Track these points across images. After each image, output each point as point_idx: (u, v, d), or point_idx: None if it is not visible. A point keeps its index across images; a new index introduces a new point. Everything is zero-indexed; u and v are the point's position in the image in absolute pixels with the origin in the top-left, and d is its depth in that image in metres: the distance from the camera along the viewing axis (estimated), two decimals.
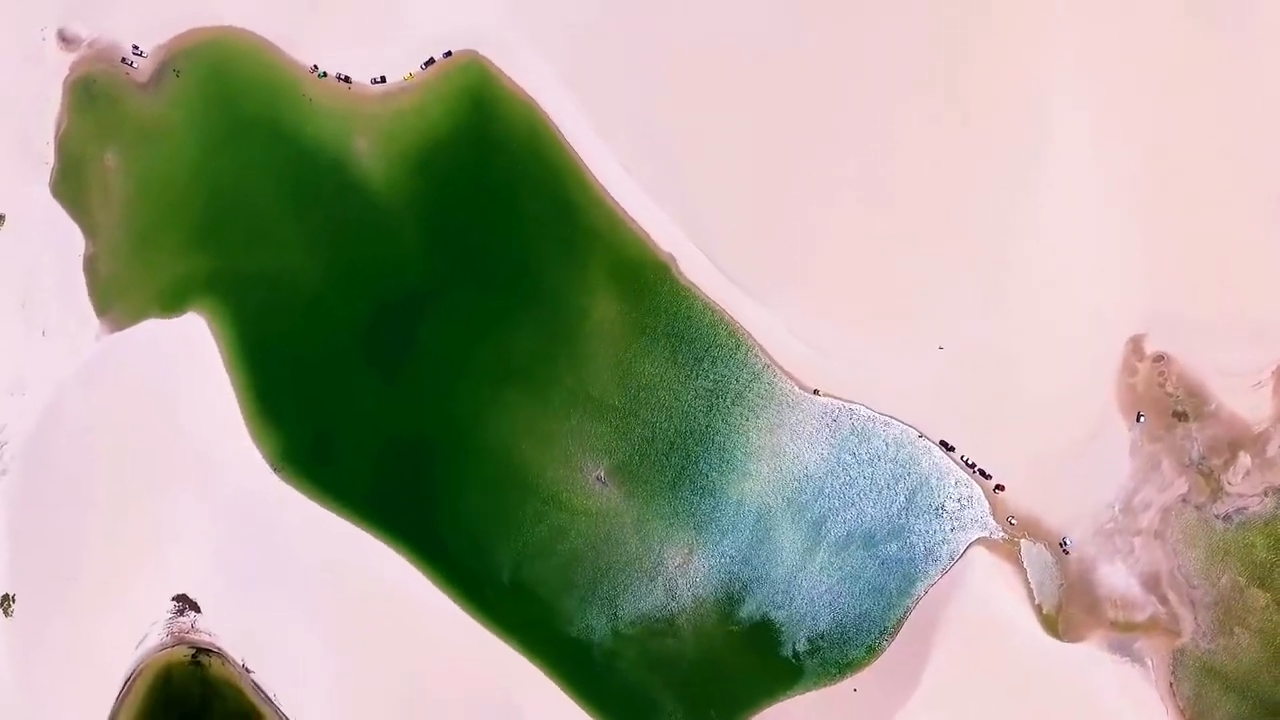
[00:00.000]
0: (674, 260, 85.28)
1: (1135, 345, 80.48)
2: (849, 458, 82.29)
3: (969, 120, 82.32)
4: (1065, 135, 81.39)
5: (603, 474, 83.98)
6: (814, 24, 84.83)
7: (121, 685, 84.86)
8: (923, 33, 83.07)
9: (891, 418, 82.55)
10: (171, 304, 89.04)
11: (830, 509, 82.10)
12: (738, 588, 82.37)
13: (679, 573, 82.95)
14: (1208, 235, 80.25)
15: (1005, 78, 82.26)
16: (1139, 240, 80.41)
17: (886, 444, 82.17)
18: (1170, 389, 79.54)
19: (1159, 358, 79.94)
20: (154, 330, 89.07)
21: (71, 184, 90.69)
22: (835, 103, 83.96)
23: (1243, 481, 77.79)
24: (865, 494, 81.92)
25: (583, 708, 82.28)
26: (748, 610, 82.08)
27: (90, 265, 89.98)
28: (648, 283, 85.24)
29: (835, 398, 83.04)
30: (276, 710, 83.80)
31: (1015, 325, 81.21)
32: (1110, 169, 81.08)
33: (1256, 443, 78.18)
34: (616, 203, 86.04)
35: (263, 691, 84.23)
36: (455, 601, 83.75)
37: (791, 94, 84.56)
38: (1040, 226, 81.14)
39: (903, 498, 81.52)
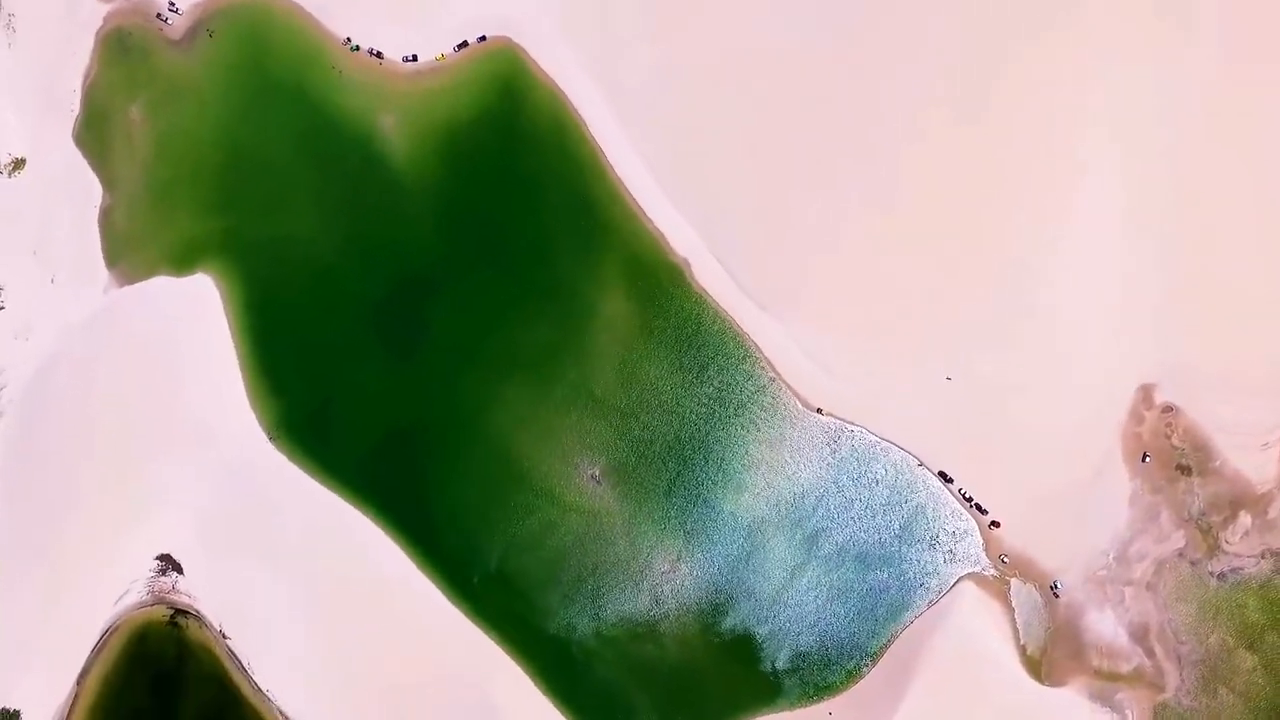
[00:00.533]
0: (688, 264, 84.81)
1: (1145, 394, 79.71)
2: (846, 479, 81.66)
3: (999, 157, 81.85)
4: (1094, 179, 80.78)
5: (598, 473, 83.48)
6: (852, 40, 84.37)
7: (97, 639, 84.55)
8: (959, 63, 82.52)
9: (892, 444, 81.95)
10: (183, 263, 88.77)
11: (823, 529, 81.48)
12: (723, 599, 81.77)
13: (665, 578, 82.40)
14: (1229, 291, 79.56)
15: (1040, 117, 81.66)
16: (1158, 289, 79.74)
17: (885, 469, 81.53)
18: (1176, 441, 78.69)
19: (1168, 409, 79.13)
20: (163, 288, 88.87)
21: (95, 134, 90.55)
22: (867, 125, 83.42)
23: (1241, 541, 76.93)
24: (859, 517, 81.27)
25: (555, 704, 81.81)
26: (731, 622, 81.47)
27: (106, 217, 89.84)
28: (660, 285, 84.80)
29: (838, 418, 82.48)
30: (249, 678, 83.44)
31: (1025, 363, 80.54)
32: (1137, 215, 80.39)
33: (1259, 503, 77.32)
34: (636, 201, 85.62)
35: (237, 659, 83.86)
36: (437, 586, 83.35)
37: (823, 111, 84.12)
38: (1061, 267, 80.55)
39: (897, 525, 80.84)
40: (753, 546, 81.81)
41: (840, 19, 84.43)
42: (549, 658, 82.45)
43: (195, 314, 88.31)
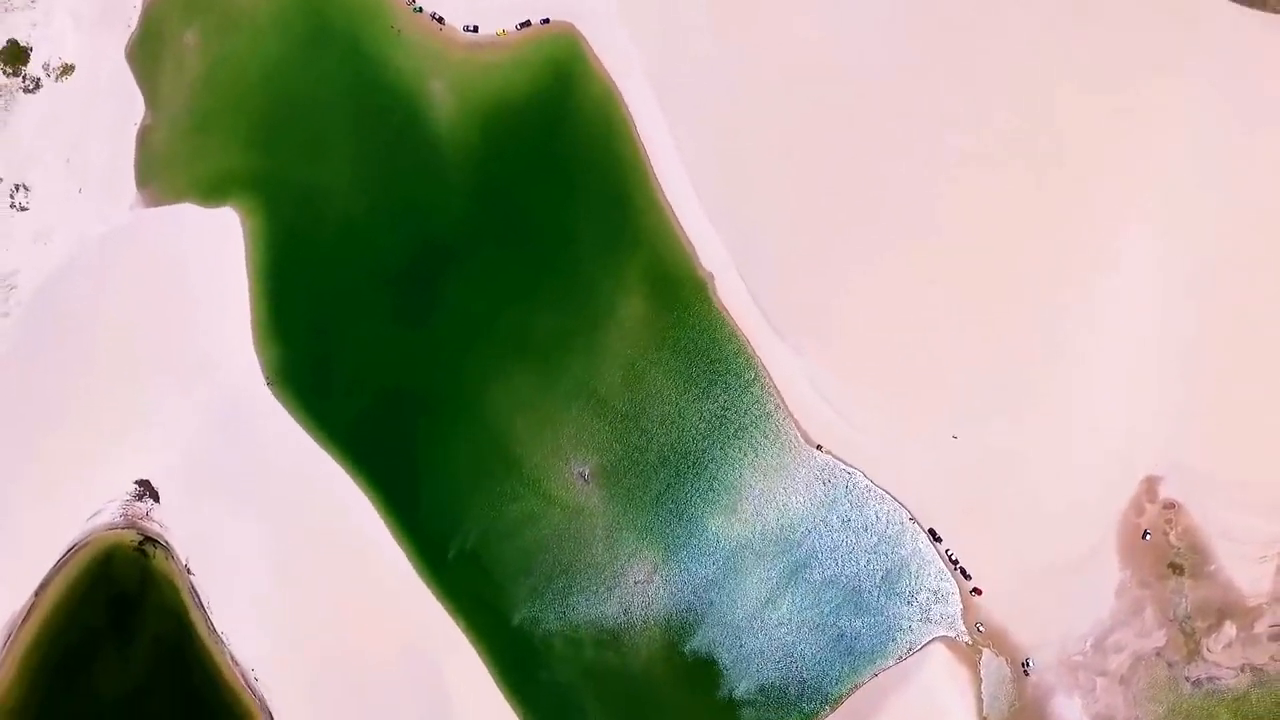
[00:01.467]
0: (713, 280, 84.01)
1: (1150, 486, 78.59)
2: (836, 520, 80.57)
3: (1043, 230, 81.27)
4: (1134, 266, 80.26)
5: (587, 471, 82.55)
6: (912, 83, 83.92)
7: (63, 553, 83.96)
8: (1015, 130, 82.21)
9: (887, 493, 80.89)
10: (212, 194, 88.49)
11: (804, 566, 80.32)
12: (692, 619, 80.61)
13: (638, 589, 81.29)
14: (1251, 399, 78.76)
15: (1088, 198, 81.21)
16: (1184, 385, 78.88)
17: (876, 517, 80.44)
18: (1174, 539, 77.40)
19: (1170, 505, 77.92)
20: (188, 215, 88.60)
21: (147, 53, 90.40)
22: (915, 175, 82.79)
23: (1223, 651, 75.50)
24: (842, 561, 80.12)
25: (506, 695, 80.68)
26: (696, 644, 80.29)
27: (144, 136, 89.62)
28: (681, 295, 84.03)
29: (836, 458, 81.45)
30: (207, 618, 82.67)
31: (1035, 435, 79.65)
32: (1173, 309, 79.77)
33: (1246, 616, 75.93)
34: (671, 208, 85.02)
35: (198, 596, 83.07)
36: (409, 557, 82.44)
37: (873, 154, 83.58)
38: (1089, 346, 79.84)
39: (879, 575, 79.64)
40: (730, 571, 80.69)
41: (903, 60, 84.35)
42: (508, 648, 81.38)
43: (215, 247, 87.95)
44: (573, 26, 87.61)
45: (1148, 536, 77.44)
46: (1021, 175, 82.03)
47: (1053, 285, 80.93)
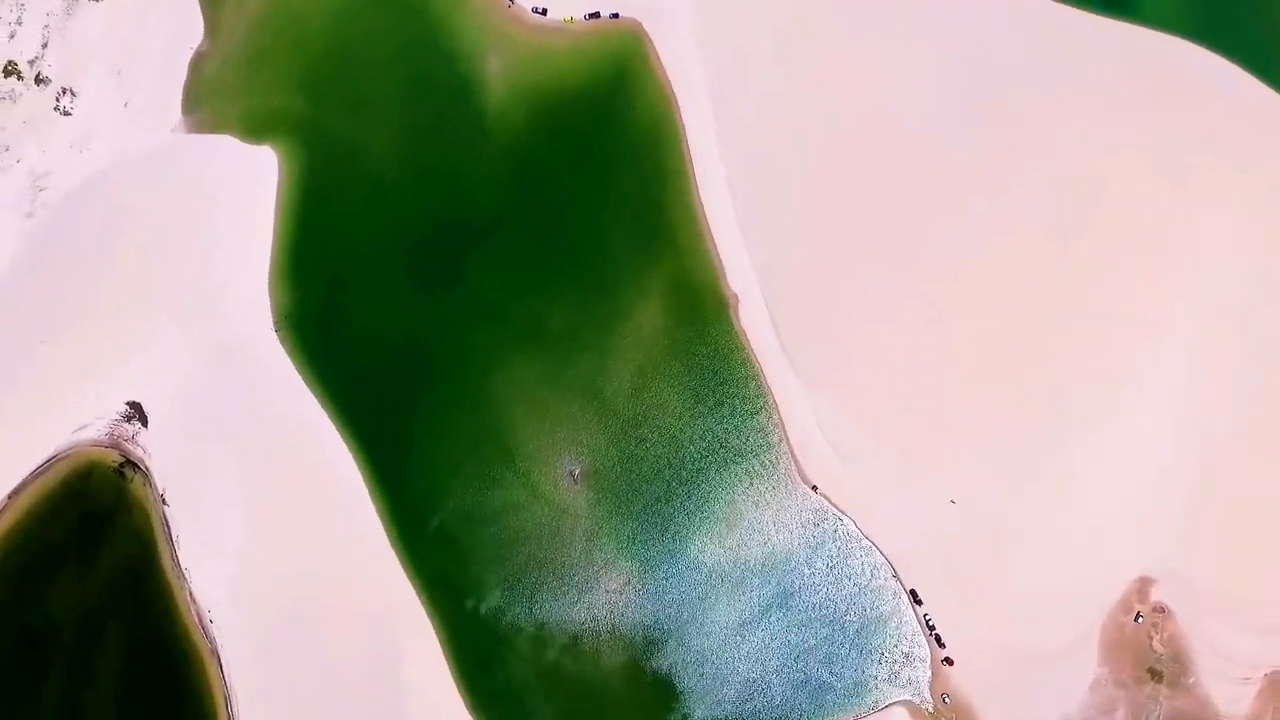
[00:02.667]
0: (736, 301, 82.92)
1: (1142, 586, 76.86)
2: (820, 564, 79.02)
3: (1075, 311, 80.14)
4: (1162, 361, 79.01)
5: (578, 471, 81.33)
6: (964, 153, 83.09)
7: (43, 461, 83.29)
8: (1061, 223, 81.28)
9: (875, 545, 79.28)
10: (254, 130, 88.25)
11: (779, 604, 78.70)
12: (657, 638, 78.99)
13: (609, 598, 79.75)
14: (1262, 518, 77.06)
15: (1129, 286, 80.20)
16: (1193, 489, 77.11)
17: (860, 568, 78.81)
18: (1158, 645, 75.61)
19: (1160, 609, 76.23)
20: (227, 147, 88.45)
21: None
22: (955, 236, 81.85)
23: None
24: (819, 606, 78.45)
25: (457, 680, 79.10)
26: (658, 663, 78.63)
27: (197, 61, 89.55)
28: (702, 311, 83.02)
29: (830, 501, 79.94)
30: (172, 550, 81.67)
31: (1034, 514, 77.98)
32: (1196, 411, 78.17)
33: None
34: (707, 222, 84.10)
35: (168, 527, 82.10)
36: (384, 524, 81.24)
37: (916, 209, 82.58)
38: (1105, 434, 78.30)
39: (853, 628, 77.94)
40: (705, 596, 79.14)
41: (957, 120, 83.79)
42: (468, 633, 79.99)
43: (248, 184, 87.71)
44: (640, 26, 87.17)
45: (1140, 619, 75.71)
46: (1061, 252, 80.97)
47: (1077, 367, 79.58)
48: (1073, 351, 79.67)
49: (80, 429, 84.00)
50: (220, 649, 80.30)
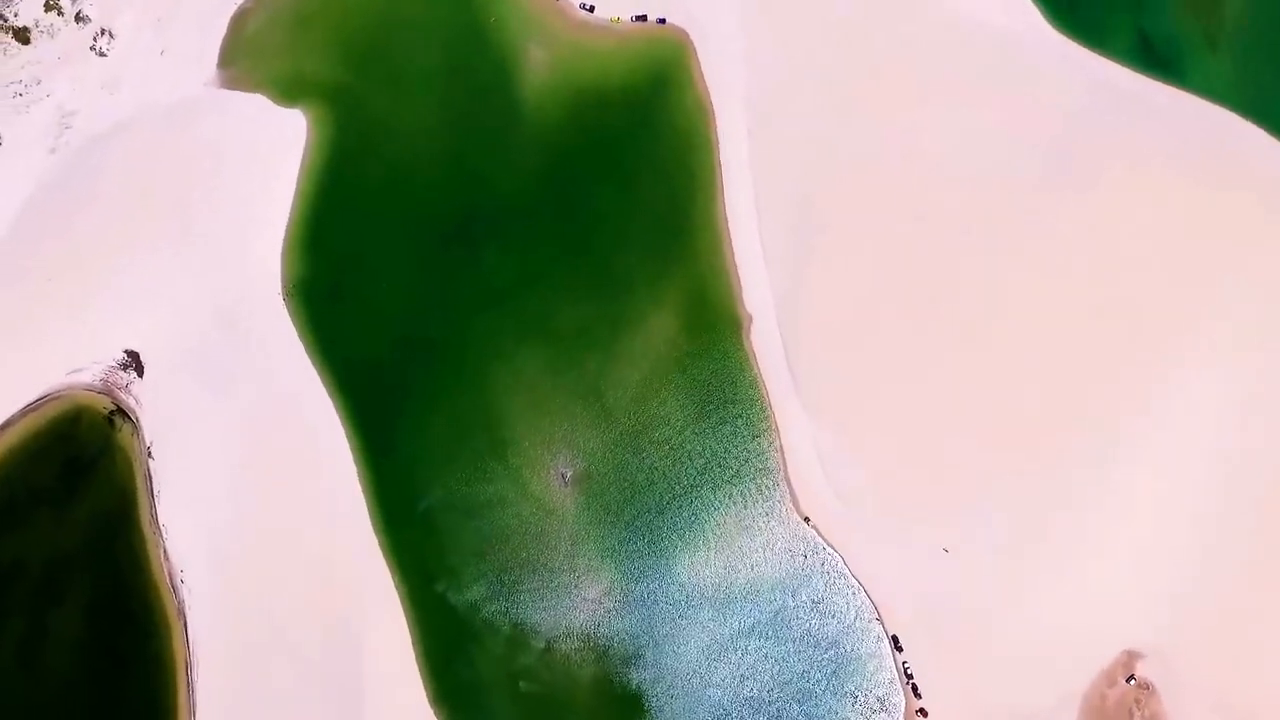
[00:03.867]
0: (750, 322, 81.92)
1: (1128, 660, 75.46)
2: (804, 598, 77.57)
3: (1094, 378, 78.89)
4: (1177, 442, 77.58)
5: (570, 474, 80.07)
6: (1005, 224, 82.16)
7: (34, 399, 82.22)
8: (1096, 300, 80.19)
9: (861, 586, 77.77)
10: (288, 93, 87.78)
11: (758, 634, 77.20)
12: (629, 653, 77.47)
13: (585, 606, 78.29)
14: (1258, 611, 75.61)
15: (1138, 369, 78.95)
16: (1193, 573, 75.67)
17: (844, 606, 77.36)
18: None
19: (1145, 685, 74.76)
20: (258, 107, 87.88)
21: None
22: (979, 291, 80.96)
23: None
24: (798, 640, 76.96)
25: (421, 670, 77.57)
26: (626, 679, 77.08)
27: (239, 17, 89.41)
28: (715, 327, 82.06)
29: (821, 536, 78.50)
30: (152, 505, 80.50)
31: (1028, 574, 76.64)
32: (1205, 497, 76.72)
33: None
34: (730, 239, 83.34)
35: (151, 481, 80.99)
36: (368, 504, 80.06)
37: (943, 260, 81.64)
38: (1107, 504, 76.88)
39: (831, 667, 76.37)
40: (684, 616, 77.68)
41: (997, 182, 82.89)
42: (438, 625, 78.64)
43: (274, 146, 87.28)
44: (686, 35, 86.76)
45: (1132, 682, 74.35)
46: (1082, 324, 79.87)
47: (1088, 433, 78.23)
48: (1084, 424, 78.29)
49: (75, 371, 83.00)
50: (188, 610, 79.03)
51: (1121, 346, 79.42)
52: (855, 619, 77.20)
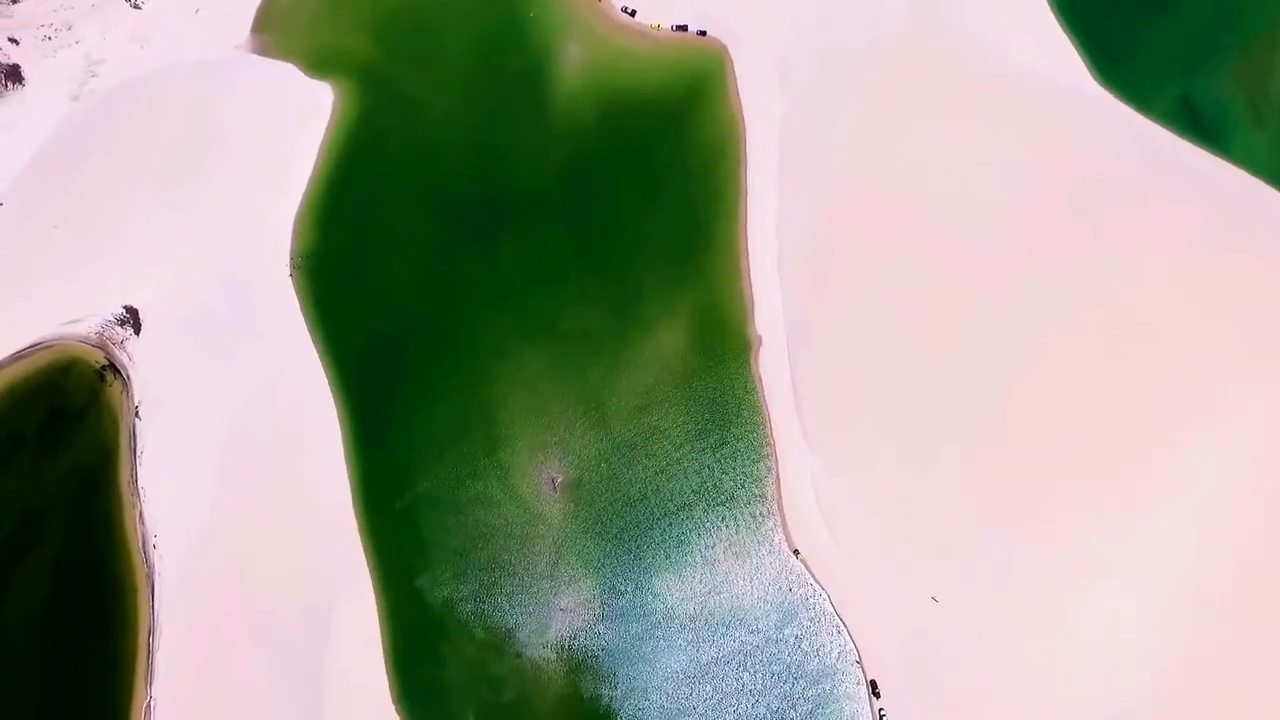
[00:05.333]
0: (760, 345, 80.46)
1: None
2: (789, 633, 75.60)
3: (1110, 454, 76.34)
4: (1177, 515, 75.09)
5: (560, 480, 78.41)
6: (1030, 284, 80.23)
7: (25, 345, 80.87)
8: (1108, 364, 78.02)
9: (845, 626, 75.75)
10: (319, 64, 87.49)
11: (735, 664, 75.18)
12: (601, 668, 75.55)
13: (562, 615, 76.49)
14: (1242, 684, 72.72)
15: (1155, 448, 76.39)
16: (1177, 644, 73.17)
17: (827, 645, 75.34)
18: None
19: None
20: (287, 76, 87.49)
21: None
22: (1001, 355, 78.67)
23: None
24: (777, 675, 74.89)
25: (386, 660, 75.76)
26: (596, 695, 75.07)
27: None
28: (724, 347, 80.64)
29: (810, 571, 76.58)
30: (133, 465, 79.03)
31: (1016, 635, 74.23)
32: (1197, 577, 73.95)
33: None
34: (748, 259, 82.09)
35: (134, 442, 79.60)
36: (352, 489, 78.62)
37: (968, 312, 79.92)
38: (1099, 572, 74.34)
39: (807, 707, 74.22)
40: (661, 637, 75.78)
41: (1041, 236, 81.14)
42: (409, 621, 76.86)
43: (299, 117, 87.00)
44: (726, 50, 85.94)
45: None
46: (1100, 395, 77.43)
47: (1089, 495, 75.82)
48: (1085, 487, 75.76)
49: (71, 322, 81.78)
50: (156, 577, 77.38)
51: (1129, 406, 77.30)
52: (836, 659, 75.16)
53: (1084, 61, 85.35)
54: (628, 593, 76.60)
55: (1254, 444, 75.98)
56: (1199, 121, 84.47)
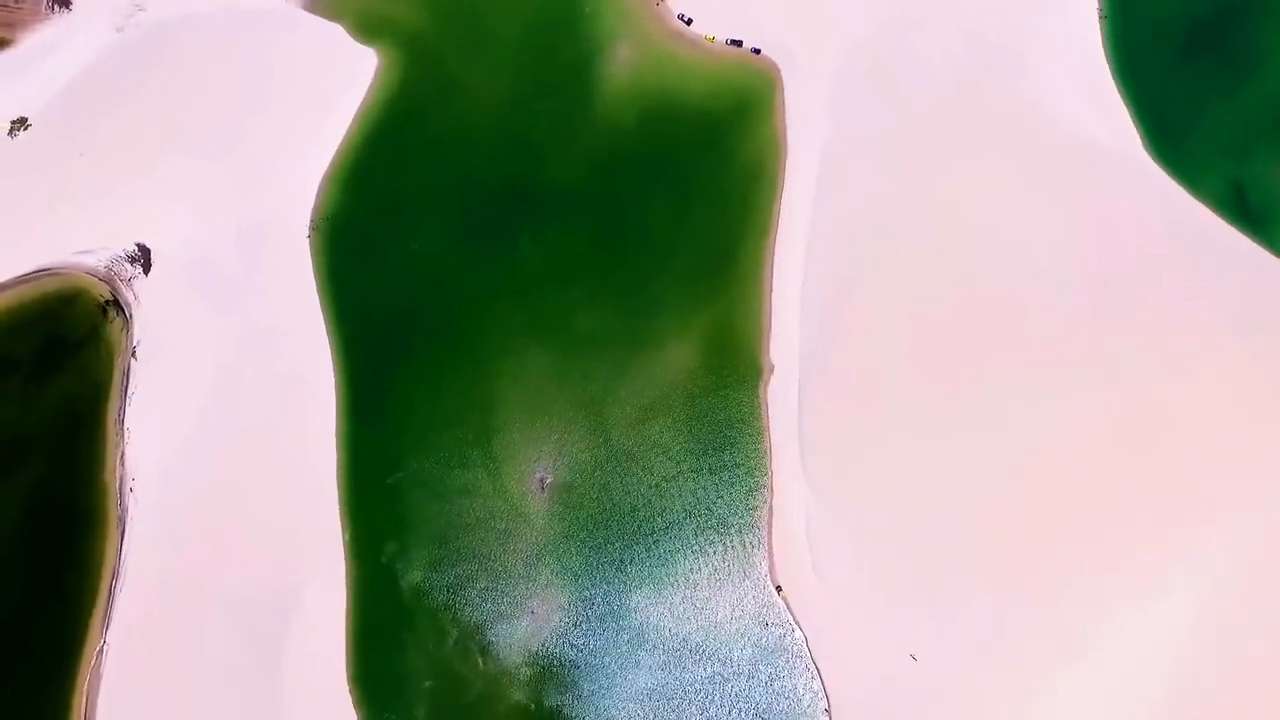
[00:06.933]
0: (771, 373, 78.67)
1: None
2: (762, 673, 73.72)
3: (1106, 520, 74.22)
4: (1176, 599, 72.65)
5: (549, 481, 76.83)
6: (1057, 348, 78.21)
7: (32, 270, 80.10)
8: (1125, 442, 75.76)
9: (819, 673, 73.66)
10: (368, 30, 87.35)
11: (703, 695, 73.26)
12: (567, 679, 73.80)
13: (532, 619, 74.89)
14: None
15: (1163, 528, 74.01)
16: None
17: (800, 689, 73.46)
18: None
19: None
20: (335, 36, 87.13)
21: None
22: (1020, 420, 76.53)
23: None
24: (743, 710, 72.89)
25: (348, 642, 74.41)
26: (556, 706, 73.23)
27: None
28: (734, 370, 78.95)
29: (790, 610, 74.60)
30: (122, 404, 78.04)
31: (990, 703, 71.82)
32: (1186, 662, 71.40)
33: None
34: (771, 286, 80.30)
35: (128, 380, 78.64)
36: (338, 457, 77.58)
37: (994, 373, 77.69)
38: (1083, 651, 71.94)
39: None
40: (630, 656, 74.02)
41: (1071, 304, 79.03)
42: (376, 603, 75.48)
43: (341, 79, 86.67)
44: (778, 71, 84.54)
45: None
46: (1109, 454, 75.34)
47: (1083, 569, 73.52)
48: (1082, 561, 73.45)
49: (83, 252, 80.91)
50: (129, 521, 76.25)
51: (1144, 489, 74.88)
52: (806, 704, 73.10)
53: (1138, 131, 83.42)
54: (602, 605, 74.83)
55: (1267, 540, 73.91)
56: (1247, 208, 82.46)
